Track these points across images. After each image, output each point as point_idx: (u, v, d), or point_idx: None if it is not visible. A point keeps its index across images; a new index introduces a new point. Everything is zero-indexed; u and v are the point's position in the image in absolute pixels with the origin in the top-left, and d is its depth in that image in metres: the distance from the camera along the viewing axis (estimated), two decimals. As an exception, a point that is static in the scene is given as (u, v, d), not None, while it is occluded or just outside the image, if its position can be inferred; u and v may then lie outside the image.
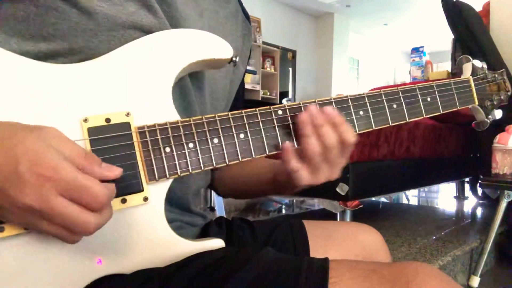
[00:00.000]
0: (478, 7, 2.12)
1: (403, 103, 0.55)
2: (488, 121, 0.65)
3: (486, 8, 2.20)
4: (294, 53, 7.14)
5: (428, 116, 0.58)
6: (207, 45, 0.48)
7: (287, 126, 0.48)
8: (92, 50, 0.44)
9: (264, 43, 6.18)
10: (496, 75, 0.67)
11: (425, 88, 0.57)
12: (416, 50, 2.94)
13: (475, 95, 0.63)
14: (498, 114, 0.65)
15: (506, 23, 2.08)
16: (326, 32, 7.46)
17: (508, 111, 1.59)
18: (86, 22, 0.44)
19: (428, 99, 0.57)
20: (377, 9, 7.14)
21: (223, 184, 0.71)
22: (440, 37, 7.09)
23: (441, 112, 0.59)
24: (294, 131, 0.48)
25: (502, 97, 0.66)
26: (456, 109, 0.61)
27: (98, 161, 0.36)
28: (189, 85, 0.54)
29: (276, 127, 0.48)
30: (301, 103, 0.49)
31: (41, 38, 0.44)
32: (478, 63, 0.65)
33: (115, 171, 0.37)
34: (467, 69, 0.65)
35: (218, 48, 0.49)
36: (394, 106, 0.54)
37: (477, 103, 0.64)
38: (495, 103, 0.65)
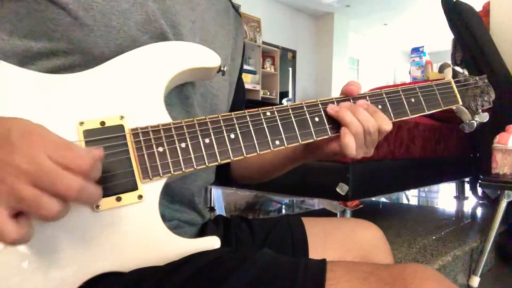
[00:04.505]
0: (478, 7, 2.12)
1: (388, 104, 0.58)
2: (475, 123, 0.67)
3: (486, 8, 2.20)
4: (294, 53, 7.14)
5: (414, 116, 0.60)
6: (196, 55, 0.51)
7: (276, 126, 0.51)
8: (90, 45, 0.46)
9: (264, 43, 6.18)
10: (478, 79, 0.70)
11: (408, 90, 0.60)
12: (416, 50, 2.94)
13: (458, 95, 0.66)
14: (485, 117, 0.67)
15: (506, 23, 2.08)
16: (326, 32, 7.46)
17: (508, 110, 1.59)
18: (83, 18, 0.45)
19: (412, 100, 0.60)
20: (377, 9, 7.14)
21: (238, 167, 0.73)
22: (440, 37, 7.10)
23: (426, 112, 0.61)
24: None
25: (485, 99, 0.68)
26: (441, 109, 0.63)
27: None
28: (190, 87, 0.55)
29: (266, 127, 0.50)
30: (288, 105, 0.53)
31: (42, 34, 0.45)
32: (459, 69, 0.69)
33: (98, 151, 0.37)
34: (448, 73, 0.68)
35: (206, 57, 0.51)
36: (379, 107, 0.57)
37: (461, 103, 0.66)
38: (478, 103, 0.67)
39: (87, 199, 0.36)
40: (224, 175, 0.74)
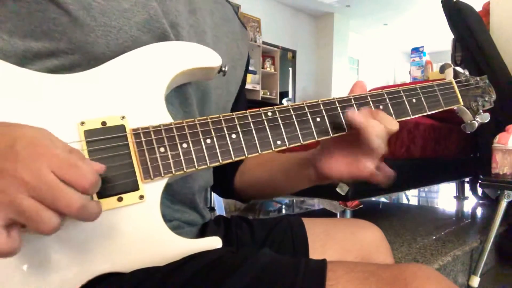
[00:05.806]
0: (478, 7, 2.11)
1: (389, 104, 0.58)
2: (476, 123, 0.67)
3: (486, 8, 2.20)
4: (294, 53, 7.14)
5: (415, 116, 0.60)
6: (197, 55, 0.51)
7: (278, 126, 0.51)
8: (91, 45, 0.46)
9: (264, 43, 6.18)
10: (479, 79, 0.70)
11: (409, 90, 0.60)
12: (416, 50, 2.94)
13: (459, 95, 0.66)
14: (486, 117, 0.67)
15: (506, 23, 2.08)
16: (326, 32, 7.46)
17: (508, 111, 1.59)
18: (84, 18, 0.45)
19: (414, 100, 0.60)
20: (377, 9, 7.14)
21: (247, 187, 0.72)
22: (440, 37, 7.09)
23: (428, 112, 0.61)
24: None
25: (486, 99, 0.68)
26: (442, 109, 0.63)
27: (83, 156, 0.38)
28: (189, 89, 0.55)
29: (267, 127, 0.50)
30: (289, 105, 0.52)
31: (42, 34, 0.45)
32: (460, 69, 0.69)
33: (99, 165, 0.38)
34: (449, 73, 0.68)
35: (207, 57, 0.51)
36: (381, 107, 0.57)
37: (462, 103, 0.66)
38: (479, 103, 0.67)
39: (86, 217, 0.35)
40: (226, 190, 0.73)
